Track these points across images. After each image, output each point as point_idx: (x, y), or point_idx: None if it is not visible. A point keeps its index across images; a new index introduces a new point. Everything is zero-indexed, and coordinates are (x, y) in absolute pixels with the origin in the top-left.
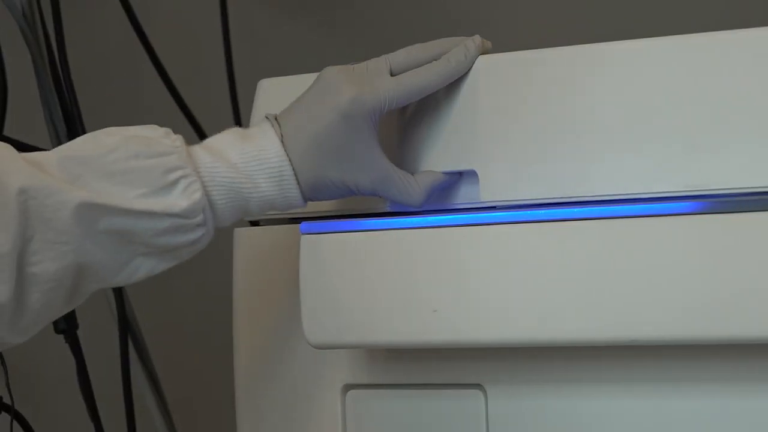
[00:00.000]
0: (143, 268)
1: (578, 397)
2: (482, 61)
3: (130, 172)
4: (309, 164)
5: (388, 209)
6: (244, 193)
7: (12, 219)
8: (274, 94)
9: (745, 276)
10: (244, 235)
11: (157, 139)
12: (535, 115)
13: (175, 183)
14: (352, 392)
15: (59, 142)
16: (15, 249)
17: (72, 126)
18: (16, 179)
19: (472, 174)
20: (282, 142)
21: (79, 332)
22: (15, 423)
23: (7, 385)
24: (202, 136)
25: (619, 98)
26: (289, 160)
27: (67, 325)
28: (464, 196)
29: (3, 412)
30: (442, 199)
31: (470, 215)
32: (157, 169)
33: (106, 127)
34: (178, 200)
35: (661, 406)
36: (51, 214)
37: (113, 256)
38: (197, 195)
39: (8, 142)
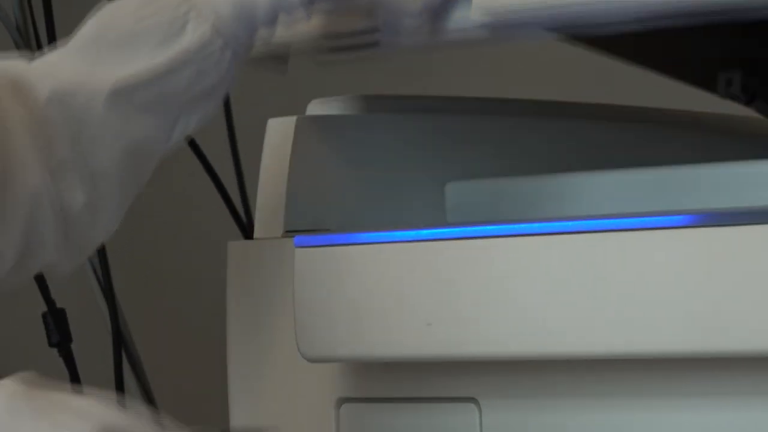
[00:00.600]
0: (192, 121)
1: (573, 411)
2: None
3: (141, 35)
4: None
5: (381, 33)
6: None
7: (55, 127)
8: None
9: (744, 289)
10: (237, 249)
11: None
12: None
13: (183, 26)
14: (346, 406)
15: None
16: (71, 154)
17: None
18: (43, 89)
19: None
20: None
21: (73, 346)
22: None
23: None
24: (195, 146)
25: None
26: None
27: (60, 339)
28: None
29: None
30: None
31: (463, 228)
32: (162, 24)
33: None
34: (193, 40)
35: (656, 419)
36: (85, 111)
37: (159, 126)
38: (206, 25)
39: None
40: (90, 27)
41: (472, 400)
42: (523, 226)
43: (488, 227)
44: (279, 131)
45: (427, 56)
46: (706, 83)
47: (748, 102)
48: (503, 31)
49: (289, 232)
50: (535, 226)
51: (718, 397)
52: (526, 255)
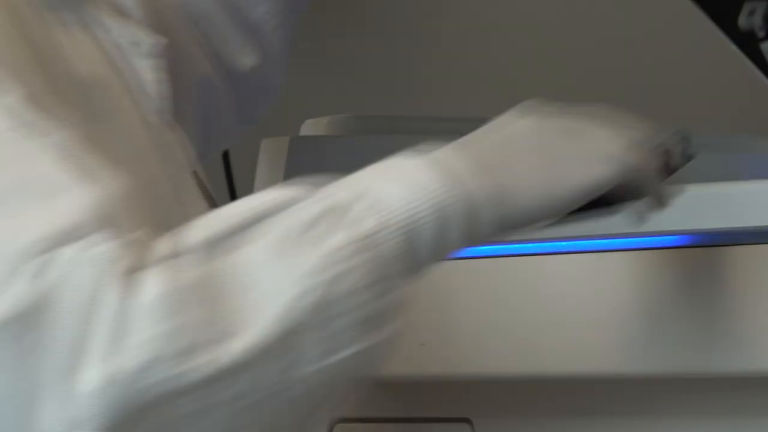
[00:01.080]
0: None
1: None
2: None
3: None
4: None
5: None
6: None
7: None
8: None
9: (739, 309)
10: None
11: None
12: None
13: None
14: (339, 426)
15: None
16: (228, 18)
17: None
18: None
19: None
20: None
21: None
22: None
23: None
24: None
25: None
26: None
27: None
28: None
29: None
30: None
31: None
32: None
33: None
34: None
35: None
36: None
37: None
38: None
39: None
40: None
41: (465, 420)
42: (517, 246)
43: (482, 248)
44: (272, 151)
45: (422, 75)
46: (726, 12)
47: (765, 37)
48: None
49: None
50: (530, 247)
51: (719, 418)
52: (521, 275)
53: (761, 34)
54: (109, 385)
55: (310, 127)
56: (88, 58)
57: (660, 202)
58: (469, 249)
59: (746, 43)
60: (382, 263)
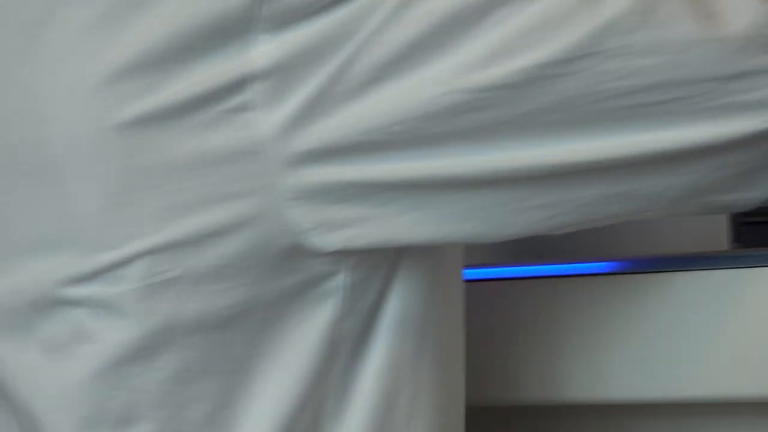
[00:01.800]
0: None
1: None
2: None
3: None
4: None
5: None
6: None
7: None
8: None
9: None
10: None
11: None
12: None
13: None
14: None
15: None
16: None
17: None
18: None
19: None
20: None
21: None
22: None
23: None
24: None
25: None
26: None
27: None
28: None
29: None
30: None
31: None
32: None
33: None
34: None
35: None
36: None
37: None
38: None
39: None
40: None
41: None
42: (475, 271)
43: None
44: None
45: None
46: None
47: None
48: None
49: None
50: (495, 271)
51: None
52: (480, 299)
53: None
54: None
55: None
56: None
57: None
58: None
59: None
60: None
